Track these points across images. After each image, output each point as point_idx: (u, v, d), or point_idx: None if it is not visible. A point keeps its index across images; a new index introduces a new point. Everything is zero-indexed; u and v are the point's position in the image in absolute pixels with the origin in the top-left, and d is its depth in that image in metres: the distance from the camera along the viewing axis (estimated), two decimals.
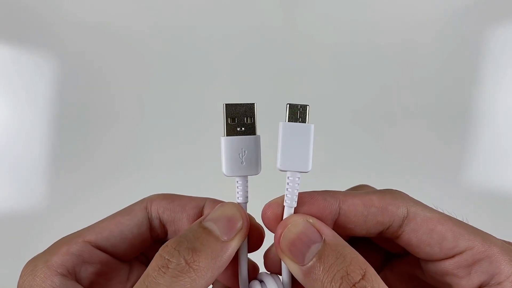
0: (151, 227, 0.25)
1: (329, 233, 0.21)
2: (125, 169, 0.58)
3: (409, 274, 0.27)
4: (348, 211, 0.23)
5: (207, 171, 0.56)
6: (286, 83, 0.59)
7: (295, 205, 0.23)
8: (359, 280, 0.20)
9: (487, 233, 0.23)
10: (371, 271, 0.20)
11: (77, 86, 0.56)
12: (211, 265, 0.21)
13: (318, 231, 0.21)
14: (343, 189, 0.27)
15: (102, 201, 0.55)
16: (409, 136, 0.61)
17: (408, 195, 0.23)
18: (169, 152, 0.59)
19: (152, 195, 0.26)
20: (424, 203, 0.24)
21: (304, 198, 0.22)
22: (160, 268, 0.20)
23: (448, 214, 0.23)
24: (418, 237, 0.22)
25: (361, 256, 0.21)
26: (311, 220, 0.22)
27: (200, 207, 0.25)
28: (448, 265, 0.23)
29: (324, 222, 0.22)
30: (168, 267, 0.20)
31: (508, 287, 0.21)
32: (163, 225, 0.26)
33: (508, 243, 0.23)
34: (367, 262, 0.20)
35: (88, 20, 0.57)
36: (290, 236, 0.21)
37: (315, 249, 0.21)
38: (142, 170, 0.58)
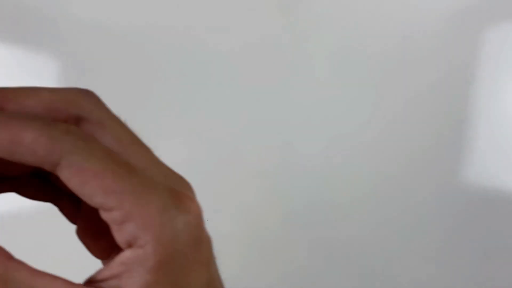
0: None
1: None
2: None
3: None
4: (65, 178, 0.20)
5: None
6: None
7: None
8: None
9: (147, 190, 0.21)
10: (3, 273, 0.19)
11: (78, 86, 0.56)
12: None
13: None
14: None
15: None
16: (409, 136, 0.61)
17: (79, 135, 0.20)
18: (170, 158, 0.59)
19: None
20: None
21: None
22: None
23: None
24: (73, 185, 0.20)
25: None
26: None
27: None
28: (103, 216, 0.21)
29: None
30: None
31: (149, 250, 0.20)
32: None
33: (178, 195, 0.22)
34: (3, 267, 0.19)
35: (89, 20, 0.57)
36: None
37: None
38: None
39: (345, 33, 0.58)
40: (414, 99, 0.61)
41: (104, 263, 0.26)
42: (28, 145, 0.19)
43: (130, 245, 0.21)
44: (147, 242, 0.20)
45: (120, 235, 0.21)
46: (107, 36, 0.58)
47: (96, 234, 0.26)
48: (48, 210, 0.27)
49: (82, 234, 0.27)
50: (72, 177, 0.20)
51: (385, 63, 0.59)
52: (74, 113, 0.22)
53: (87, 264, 0.27)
